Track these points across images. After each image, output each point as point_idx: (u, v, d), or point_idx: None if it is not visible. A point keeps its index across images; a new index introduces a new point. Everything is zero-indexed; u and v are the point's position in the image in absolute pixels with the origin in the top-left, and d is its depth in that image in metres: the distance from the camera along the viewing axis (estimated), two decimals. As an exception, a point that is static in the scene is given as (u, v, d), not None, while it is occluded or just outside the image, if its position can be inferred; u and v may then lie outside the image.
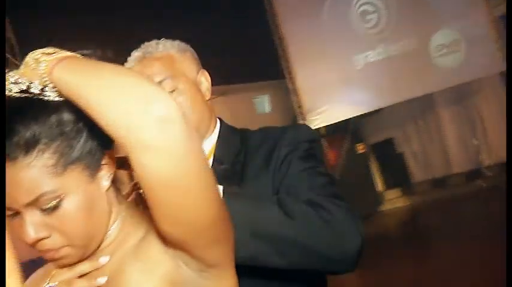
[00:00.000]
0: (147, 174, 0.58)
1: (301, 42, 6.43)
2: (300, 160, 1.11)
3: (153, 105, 0.56)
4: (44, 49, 0.64)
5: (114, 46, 5.67)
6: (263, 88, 8.61)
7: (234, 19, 7.25)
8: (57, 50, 0.64)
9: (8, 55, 4.65)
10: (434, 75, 6.12)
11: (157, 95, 0.57)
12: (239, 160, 1.17)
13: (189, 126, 0.58)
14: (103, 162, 0.72)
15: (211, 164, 1.17)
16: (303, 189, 1.05)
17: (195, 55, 1.27)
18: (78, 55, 0.65)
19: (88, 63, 0.61)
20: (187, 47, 1.25)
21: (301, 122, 6.90)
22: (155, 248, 0.71)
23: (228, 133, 1.25)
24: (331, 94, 6.38)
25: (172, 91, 1.14)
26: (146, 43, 1.20)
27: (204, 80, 1.25)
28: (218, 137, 1.23)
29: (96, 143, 0.70)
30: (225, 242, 0.70)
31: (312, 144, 1.17)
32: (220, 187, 0.93)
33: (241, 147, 1.20)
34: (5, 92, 0.58)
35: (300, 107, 6.71)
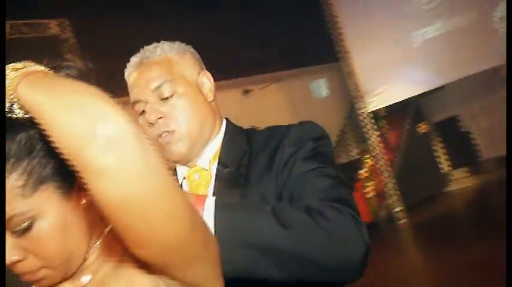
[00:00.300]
0: (103, 200, 0.55)
1: (355, 23, 6.31)
2: (303, 161, 1.06)
3: (100, 125, 0.52)
4: (15, 64, 0.62)
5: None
6: (319, 72, 8.54)
7: (287, 4, 7.21)
8: (27, 64, 0.62)
9: (67, 56, 4.81)
10: (499, 48, 5.82)
11: (106, 115, 0.53)
12: (243, 162, 1.13)
13: (144, 145, 0.55)
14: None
15: (216, 168, 1.15)
16: (305, 193, 1.00)
17: (196, 56, 1.23)
18: (48, 70, 0.62)
19: (51, 81, 0.58)
20: (188, 48, 1.22)
21: (358, 104, 6.81)
22: (135, 267, 0.69)
23: (233, 134, 1.21)
24: (389, 74, 6.24)
25: (171, 95, 1.12)
26: (145, 47, 1.18)
27: (206, 80, 1.21)
28: (223, 139, 1.20)
29: None
30: (205, 261, 0.66)
31: (318, 142, 1.11)
32: (212, 199, 0.91)
33: (246, 148, 1.16)
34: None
35: (357, 89, 6.61)
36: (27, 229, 0.63)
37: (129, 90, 1.17)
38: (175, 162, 1.20)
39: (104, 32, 5.36)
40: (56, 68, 0.69)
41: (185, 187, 1.19)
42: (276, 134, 1.14)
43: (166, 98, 1.12)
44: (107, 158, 0.52)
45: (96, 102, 0.54)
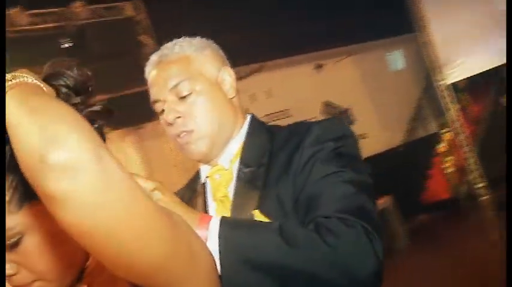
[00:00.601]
0: (64, 224, 0.52)
1: (433, -10, 5.99)
2: (323, 164, 1.01)
3: (53, 151, 0.49)
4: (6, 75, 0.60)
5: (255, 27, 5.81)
6: (395, 44, 8.23)
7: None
8: (17, 75, 0.60)
9: (141, 37, 4.90)
10: None
11: (61, 141, 0.50)
12: (264, 161, 1.09)
13: (107, 172, 0.52)
14: None
15: (237, 167, 1.11)
16: (321, 201, 0.96)
17: (218, 51, 1.20)
18: (35, 82, 0.61)
19: (29, 98, 0.55)
20: (208, 43, 1.19)
21: (436, 76, 6.51)
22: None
23: (255, 132, 1.17)
24: (470, 44, 5.89)
25: (189, 94, 1.09)
26: (164, 45, 1.16)
27: (227, 77, 1.17)
28: (245, 136, 1.16)
29: None
30: (193, 279, 0.63)
31: (339, 142, 1.05)
32: (217, 218, 0.89)
33: (268, 147, 1.11)
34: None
35: (435, 60, 6.32)
36: (16, 244, 0.63)
37: (149, 89, 1.16)
38: (197, 161, 1.18)
39: (176, 12, 5.47)
40: (54, 76, 0.69)
41: (208, 187, 1.17)
42: (297, 133, 1.09)
43: (184, 97, 1.10)
44: (60, 185, 0.49)
45: (56, 127, 0.51)
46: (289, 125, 1.17)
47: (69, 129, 0.51)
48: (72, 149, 0.50)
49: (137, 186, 0.56)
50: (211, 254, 0.71)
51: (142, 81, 1.20)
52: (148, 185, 0.89)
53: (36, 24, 4.66)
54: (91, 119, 0.68)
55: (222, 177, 1.14)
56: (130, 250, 0.55)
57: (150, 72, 1.15)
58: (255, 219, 1.01)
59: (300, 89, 6.81)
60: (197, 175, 1.23)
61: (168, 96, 1.11)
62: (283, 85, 6.71)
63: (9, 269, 0.64)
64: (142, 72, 1.19)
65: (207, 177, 1.18)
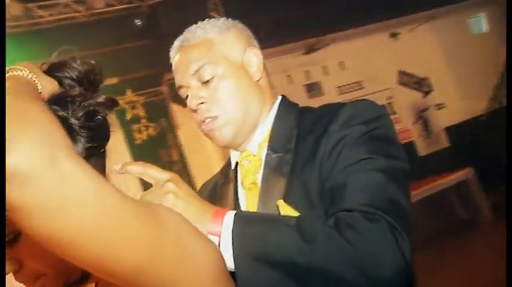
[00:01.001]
0: (29, 234, 0.51)
1: None
2: (351, 150, 0.93)
3: (9, 156, 0.46)
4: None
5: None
6: (477, 6, 7.69)
7: None
8: (12, 68, 0.60)
9: (212, 13, 4.93)
10: None
11: (15, 145, 0.47)
12: (290, 147, 1.03)
13: (61, 176, 0.48)
14: None
15: (266, 152, 1.06)
16: (346, 192, 0.89)
17: (244, 31, 1.14)
18: (29, 77, 0.61)
19: (8, 95, 0.53)
20: (234, 24, 1.13)
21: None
22: None
23: (284, 115, 1.10)
24: None
25: (212, 78, 1.05)
26: (188, 28, 1.12)
27: (254, 57, 1.11)
28: (274, 120, 1.10)
29: None
30: (183, 283, 0.60)
31: (372, 124, 0.97)
32: (232, 213, 0.85)
33: (295, 131, 1.05)
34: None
35: (523, 22, 5.83)
36: (15, 240, 0.63)
37: (174, 75, 1.13)
38: (224, 148, 1.14)
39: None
40: (57, 67, 0.69)
41: (238, 174, 1.13)
42: (326, 115, 1.02)
43: (207, 82, 1.06)
44: (14, 193, 0.47)
45: (13, 132, 0.48)
46: (321, 106, 1.10)
47: (24, 134, 0.48)
48: (22, 155, 0.47)
49: (106, 186, 0.53)
50: (216, 252, 0.67)
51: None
52: (162, 176, 0.87)
53: (113, 6, 4.82)
54: (94, 110, 0.69)
55: (250, 163, 1.09)
56: (105, 254, 0.53)
57: (174, 57, 1.12)
58: (279, 210, 0.96)
59: (373, 60, 6.58)
60: (230, 160, 1.20)
61: (191, 82, 1.07)
62: (356, 56, 6.51)
63: (10, 265, 0.65)
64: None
65: (237, 163, 1.14)
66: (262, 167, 1.06)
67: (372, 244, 0.82)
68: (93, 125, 0.69)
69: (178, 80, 1.10)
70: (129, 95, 4.57)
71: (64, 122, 0.65)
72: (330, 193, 0.92)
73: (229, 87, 1.06)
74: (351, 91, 6.58)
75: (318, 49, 6.30)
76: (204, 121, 1.08)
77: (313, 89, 6.45)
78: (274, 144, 1.06)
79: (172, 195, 0.85)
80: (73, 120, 0.67)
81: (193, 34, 1.10)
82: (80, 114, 0.67)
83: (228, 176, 1.16)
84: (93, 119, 0.69)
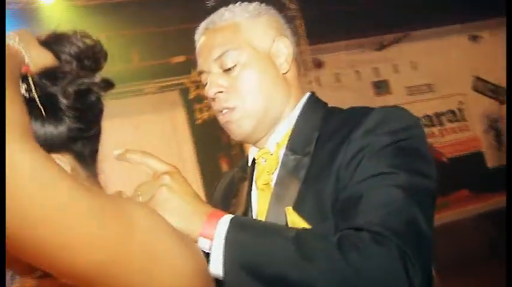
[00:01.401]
0: None
1: None
2: (372, 160, 0.84)
3: None
4: None
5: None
6: None
7: None
8: (8, 36, 0.60)
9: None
10: None
11: None
12: (309, 150, 0.94)
13: (15, 165, 0.46)
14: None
15: (284, 152, 0.98)
16: (362, 207, 0.80)
17: (276, 18, 1.06)
18: (15, 48, 0.61)
19: None
20: (266, 10, 1.05)
21: None
22: None
23: (309, 113, 1.01)
24: None
25: (234, 66, 0.98)
26: (217, 11, 1.04)
27: (283, 48, 1.03)
28: (297, 118, 1.01)
29: None
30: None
31: (401, 135, 0.87)
32: (228, 217, 0.79)
33: (317, 133, 0.96)
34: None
35: None
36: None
37: (197, 59, 1.06)
38: (240, 142, 1.06)
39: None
40: (56, 40, 0.67)
41: (255, 171, 1.05)
42: (351, 119, 0.93)
43: (229, 69, 0.99)
44: None
45: None
46: (349, 109, 1.01)
47: None
48: None
49: (65, 181, 0.50)
50: (197, 262, 0.63)
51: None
52: (160, 167, 0.81)
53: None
54: (87, 89, 0.66)
55: (267, 162, 1.02)
56: (59, 253, 0.50)
57: (198, 41, 1.05)
58: (286, 217, 0.89)
59: (448, 62, 6.31)
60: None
61: (213, 68, 1.01)
62: (429, 56, 6.26)
63: None
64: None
65: (254, 160, 1.06)
66: (279, 167, 0.98)
67: (375, 269, 0.73)
68: (82, 106, 0.66)
69: (200, 64, 1.04)
70: (194, 74, 4.62)
71: (51, 100, 0.64)
72: (342, 206, 0.85)
73: (251, 77, 0.99)
74: (421, 93, 6.35)
75: (390, 46, 6.13)
76: (221, 111, 1.01)
77: (380, 87, 6.29)
78: (293, 144, 0.98)
79: (166, 189, 0.78)
80: (61, 98, 0.64)
81: (220, 17, 1.03)
82: (70, 92, 0.65)
83: (245, 171, 1.10)
84: (83, 99, 0.67)
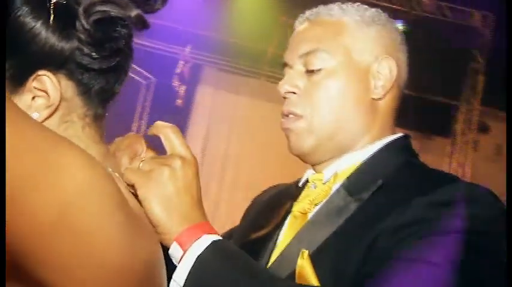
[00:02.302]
0: None
1: None
2: (419, 242, 0.68)
3: None
4: None
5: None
6: None
7: None
8: None
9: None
10: None
11: None
12: (363, 197, 0.80)
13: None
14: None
15: (337, 188, 0.85)
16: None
17: (389, 35, 0.90)
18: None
19: None
20: (383, 22, 0.90)
21: None
22: None
23: (387, 156, 0.86)
24: None
25: (319, 70, 0.86)
26: (327, 5, 0.92)
27: (385, 70, 0.87)
28: (370, 156, 0.86)
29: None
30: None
31: (476, 224, 0.69)
32: (211, 237, 0.69)
33: (381, 182, 0.81)
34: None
35: None
36: None
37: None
38: (296, 156, 0.92)
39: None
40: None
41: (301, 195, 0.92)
42: (423, 182, 0.79)
43: (312, 71, 0.87)
44: None
45: None
46: (432, 171, 0.86)
47: None
48: None
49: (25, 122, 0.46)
50: (143, 255, 0.55)
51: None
52: (179, 149, 0.72)
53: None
54: (113, 18, 0.58)
55: (316, 190, 0.88)
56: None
57: (296, 28, 0.95)
58: (297, 260, 0.77)
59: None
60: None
61: (296, 64, 0.90)
62: None
63: None
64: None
65: (306, 182, 0.93)
66: (324, 201, 0.85)
67: None
68: (102, 35, 0.59)
69: (286, 55, 0.93)
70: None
71: (70, 20, 0.58)
72: (359, 282, 0.71)
73: (332, 89, 0.87)
74: None
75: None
76: (286, 115, 0.90)
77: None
78: (351, 182, 0.85)
79: (169, 171, 0.69)
80: (81, 18, 0.57)
81: (328, 10, 0.91)
82: (93, 18, 0.57)
83: (293, 190, 0.97)
84: (106, 29, 0.59)
